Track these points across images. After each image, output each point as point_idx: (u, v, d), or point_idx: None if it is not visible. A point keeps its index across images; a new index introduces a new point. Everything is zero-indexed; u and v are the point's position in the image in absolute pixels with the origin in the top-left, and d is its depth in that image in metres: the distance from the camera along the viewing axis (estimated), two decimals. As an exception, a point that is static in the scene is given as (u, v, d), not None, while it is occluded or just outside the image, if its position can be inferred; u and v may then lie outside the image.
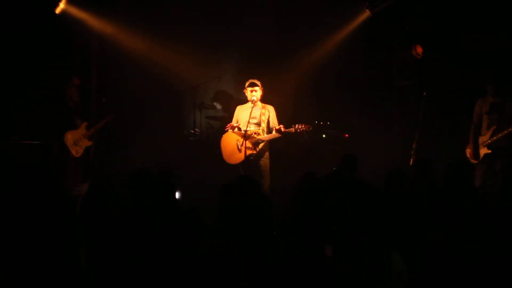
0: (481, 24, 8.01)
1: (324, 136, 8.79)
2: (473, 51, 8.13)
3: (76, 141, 7.61)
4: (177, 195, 5.77)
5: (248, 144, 6.85)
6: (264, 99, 7.12)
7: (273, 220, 4.04)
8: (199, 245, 3.84)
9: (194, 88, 8.80)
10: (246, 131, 6.80)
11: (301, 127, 6.75)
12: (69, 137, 7.58)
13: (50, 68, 8.02)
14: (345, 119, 8.95)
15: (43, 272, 3.60)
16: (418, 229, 4.02)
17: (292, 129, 6.77)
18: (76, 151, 7.58)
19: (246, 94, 7.06)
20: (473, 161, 7.04)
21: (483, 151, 7.02)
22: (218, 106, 9.18)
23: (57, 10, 8.02)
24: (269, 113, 7.05)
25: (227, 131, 7.08)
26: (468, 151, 7.13)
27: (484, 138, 7.04)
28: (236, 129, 7.06)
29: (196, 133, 9.01)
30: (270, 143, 7.02)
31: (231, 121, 7.24)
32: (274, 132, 6.89)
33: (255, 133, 6.92)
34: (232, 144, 7.02)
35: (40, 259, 3.65)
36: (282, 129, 6.79)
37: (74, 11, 8.24)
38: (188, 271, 3.66)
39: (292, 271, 3.40)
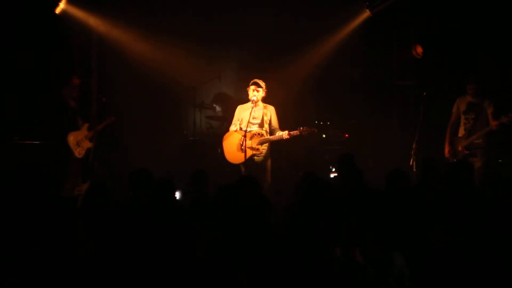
0: (481, 24, 8.01)
1: (324, 136, 8.79)
2: (474, 51, 8.13)
3: (79, 142, 7.61)
4: (177, 195, 5.80)
5: (251, 144, 6.85)
6: (264, 99, 7.11)
7: (271, 220, 4.04)
8: (198, 244, 3.85)
9: (194, 88, 8.80)
10: (246, 131, 6.80)
11: (307, 130, 6.75)
12: (72, 138, 7.58)
13: (50, 68, 8.02)
14: (345, 119, 8.95)
15: (42, 270, 3.60)
16: (419, 230, 4.02)
17: (298, 132, 6.77)
18: (79, 152, 7.59)
19: (248, 92, 7.04)
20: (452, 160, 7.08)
21: (462, 152, 7.03)
22: (218, 108, 9.17)
23: (57, 10, 8.02)
24: (271, 113, 7.05)
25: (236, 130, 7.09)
26: (447, 150, 7.16)
27: (461, 139, 7.07)
28: (238, 129, 7.06)
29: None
30: (271, 143, 7.02)
31: (231, 121, 7.24)
32: (278, 133, 6.87)
33: (258, 133, 6.91)
34: (234, 144, 7.01)
35: (39, 258, 3.65)
36: (288, 134, 6.78)
37: (74, 11, 8.24)
38: (187, 270, 3.66)
39: (293, 270, 3.40)
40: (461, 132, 7.13)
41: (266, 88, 7.01)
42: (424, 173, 5.14)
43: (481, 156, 6.93)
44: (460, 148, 7.05)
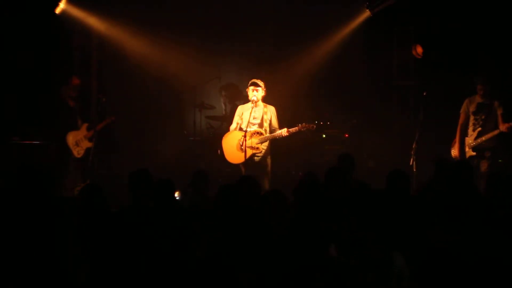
0: (482, 24, 8.01)
1: (324, 136, 8.78)
2: (474, 51, 8.13)
3: (78, 142, 7.62)
4: (177, 195, 5.80)
5: (250, 143, 6.85)
6: (265, 99, 7.12)
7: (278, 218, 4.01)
8: (198, 244, 3.84)
9: (194, 88, 8.80)
10: (245, 131, 6.80)
11: (305, 126, 6.76)
12: (71, 138, 7.59)
13: (50, 68, 8.01)
14: (345, 119, 8.94)
15: (40, 271, 3.60)
16: (419, 230, 4.02)
17: (297, 128, 6.78)
18: (78, 152, 7.59)
19: (248, 93, 7.06)
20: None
21: (468, 152, 7.02)
22: (224, 93, 9.11)
23: (57, 10, 8.02)
24: (271, 113, 7.05)
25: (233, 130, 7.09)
26: (453, 151, 7.14)
27: (469, 140, 7.05)
28: (238, 129, 7.07)
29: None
30: (271, 143, 7.02)
31: (231, 120, 7.24)
32: (278, 131, 6.88)
33: (257, 132, 6.92)
34: (234, 144, 7.02)
35: (38, 258, 3.65)
36: (286, 131, 6.78)
37: (74, 11, 8.24)
38: (187, 270, 3.66)
39: (293, 271, 3.40)
40: (469, 132, 7.11)
41: (265, 87, 7.01)
42: (436, 174, 5.12)
43: (488, 157, 6.91)
44: (467, 149, 7.04)
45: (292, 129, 6.80)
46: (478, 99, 7.05)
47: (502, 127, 6.76)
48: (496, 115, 6.91)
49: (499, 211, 4.12)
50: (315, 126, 6.87)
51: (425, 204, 4.46)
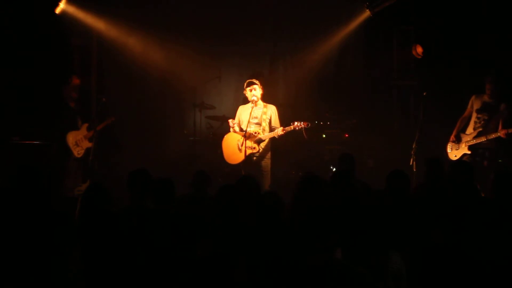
0: (482, 24, 8.01)
1: (324, 136, 8.79)
2: (474, 50, 8.13)
3: (78, 142, 7.62)
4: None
5: (249, 143, 6.86)
6: (265, 99, 7.12)
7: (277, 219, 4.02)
8: (198, 244, 3.84)
9: (194, 88, 8.80)
10: (245, 131, 6.81)
11: (300, 125, 6.74)
12: (71, 138, 7.59)
13: (50, 68, 8.01)
14: (345, 119, 8.95)
15: (39, 271, 3.60)
16: (419, 229, 4.02)
17: (291, 127, 6.77)
18: (78, 152, 7.59)
19: (246, 95, 7.07)
20: (452, 158, 7.05)
21: (463, 150, 7.01)
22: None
23: (57, 10, 8.02)
24: (271, 112, 7.05)
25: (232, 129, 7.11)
26: (449, 146, 7.14)
27: (467, 138, 7.04)
28: (237, 129, 7.08)
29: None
30: (271, 143, 7.03)
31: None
32: (275, 131, 6.89)
33: (255, 133, 6.93)
34: (233, 144, 7.04)
35: (38, 258, 3.65)
36: (282, 130, 6.79)
37: (74, 11, 8.24)
38: (187, 270, 3.66)
39: (292, 271, 3.40)
40: (469, 130, 7.10)
41: (261, 84, 7.02)
42: (428, 173, 5.12)
43: (488, 158, 6.90)
44: (464, 145, 7.03)
45: (288, 128, 6.80)
46: (485, 98, 7.04)
47: (501, 133, 6.73)
48: (500, 117, 6.89)
49: (501, 211, 4.12)
50: (310, 124, 6.83)
51: (425, 204, 4.46)
